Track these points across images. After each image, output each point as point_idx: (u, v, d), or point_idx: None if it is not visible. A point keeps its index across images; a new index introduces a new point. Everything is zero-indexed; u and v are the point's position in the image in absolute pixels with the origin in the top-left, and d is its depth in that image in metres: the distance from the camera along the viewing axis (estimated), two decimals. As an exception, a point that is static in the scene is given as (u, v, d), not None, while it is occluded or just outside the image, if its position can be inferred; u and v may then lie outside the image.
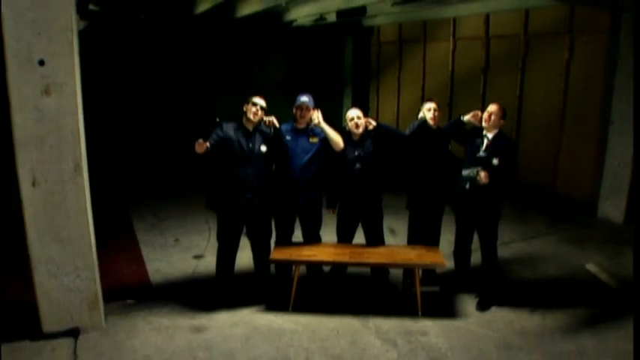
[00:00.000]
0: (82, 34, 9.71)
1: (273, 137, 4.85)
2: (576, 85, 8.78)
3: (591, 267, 6.08)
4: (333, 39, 13.94)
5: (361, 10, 9.63)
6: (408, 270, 5.22)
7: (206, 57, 12.68)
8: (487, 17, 10.25)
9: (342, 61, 14.36)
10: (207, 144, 4.52)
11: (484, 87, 10.51)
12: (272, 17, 11.42)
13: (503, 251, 6.54)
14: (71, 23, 3.93)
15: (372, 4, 9.26)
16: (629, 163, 7.66)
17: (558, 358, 4.21)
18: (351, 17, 10.08)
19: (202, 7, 9.55)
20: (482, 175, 4.59)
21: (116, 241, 6.56)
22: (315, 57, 14.12)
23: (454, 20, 11.00)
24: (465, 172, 4.75)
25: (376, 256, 4.95)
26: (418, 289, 4.84)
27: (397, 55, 13.00)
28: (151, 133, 12.20)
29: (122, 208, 7.98)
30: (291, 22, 11.92)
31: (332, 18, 11.18)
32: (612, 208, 7.97)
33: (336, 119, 14.14)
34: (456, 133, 5.07)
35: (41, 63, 3.88)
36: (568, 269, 6.09)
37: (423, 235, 5.32)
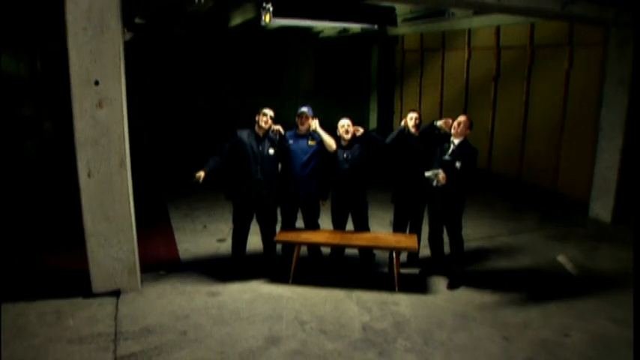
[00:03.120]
0: (128, 44, 11.09)
1: (278, 142, 5.94)
2: (575, 93, 9.49)
3: (561, 258, 6.89)
4: (360, 47, 14.88)
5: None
6: (394, 253, 6.20)
7: (242, 64, 13.83)
8: (498, 29, 11.01)
9: (368, 68, 15.28)
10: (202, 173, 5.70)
11: (495, 94, 11.30)
12: (300, 29, 12.47)
13: (487, 243, 7.45)
14: (119, 52, 5.10)
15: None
16: (616, 167, 8.37)
17: (505, 327, 5.10)
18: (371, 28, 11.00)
19: (235, 21, 10.67)
20: (441, 177, 5.50)
21: (154, 226, 7.77)
22: (343, 64, 15.12)
23: (469, 31, 11.79)
24: (427, 174, 5.60)
25: (362, 239, 5.99)
26: (396, 269, 5.81)
27: (419, 63, 13.86)
28: (190, 133, 13.42)
29: (161, 200, 9.20)
30: (318, 33, 12.94)
31: (356, 29, 12.15)
32: (601, 208, 8.69)
33: (363, 122, 15.16)
34: (429, 136, 5.96)
35: (96, 83, 5.05)
36: (542, 260, 6.90)
37: (406, 225, 6.31)
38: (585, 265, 6.72)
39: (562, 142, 9.80)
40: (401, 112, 14.74)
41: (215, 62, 13.66)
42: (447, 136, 5.83)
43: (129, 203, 5.41)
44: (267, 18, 6.09)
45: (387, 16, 6.54)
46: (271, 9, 5.97)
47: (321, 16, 6.40)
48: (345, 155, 5.96)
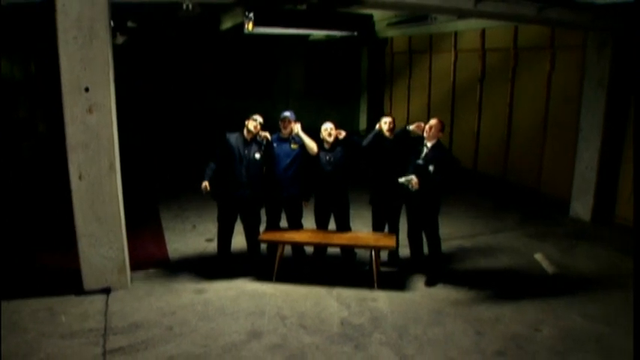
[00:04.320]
0: (121, 48, 11.28)
1: (265, 147, 6.19)
2: (557, 94, 9.75)
3: (538, 256, 7.12)
4: (350, 49, 15.10)
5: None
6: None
7: (233, 67, 14.05)
8: (483, 32, 11.26)
9: (358, 69, 15.51)
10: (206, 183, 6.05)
11: (480, 95, 11.55)
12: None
13: (468, 242, 7.69)
14: (108, 60, 5.32)
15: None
16: (595, 167, 8.63)
17: (477, 322, 5.34)
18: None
19: (226, 25, 10.90)
20: (414, 182, 5.75)
21: (145, 226, 7.99)
22: (334, 66, 15.35)
23: (455, 34, 12.03)
24: (400, 180, 5.84)
25: (343, 239, 6.24)
26: (375, 266, 6.05)
27: (407, 65, 14.11)
28: (182, 135, 13.61)
29: (153, 201, 9.44)
30: (308, 35, 13.16)
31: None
32: (581, 207, 8.95)
33: (353, 123, 15.41)
34: (404, 140, 6.19)
35: (86, 89, 5.28)
36: (519, 258, 7.14)
37: (384, 225, 6.56)
38: (562, 262, 6.94)
39: (545, 142, 10.05)
40: (390, 113, 14.93)
41: (207, 65, 13.88)
42: (422, 139, 6.04)
43: (118, 205, 5.64)
44: (249, 26, 6.34)
45: (365, 24, 6.80)
46: (253, 18, 6.22)
47: (300, 24, 6.67)
48: (327, 158, 6.21)
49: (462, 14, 8.34)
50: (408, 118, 14.18)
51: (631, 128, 8.38)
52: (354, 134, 6.46)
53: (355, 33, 7.02)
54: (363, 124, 15.29)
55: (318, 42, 14.14)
